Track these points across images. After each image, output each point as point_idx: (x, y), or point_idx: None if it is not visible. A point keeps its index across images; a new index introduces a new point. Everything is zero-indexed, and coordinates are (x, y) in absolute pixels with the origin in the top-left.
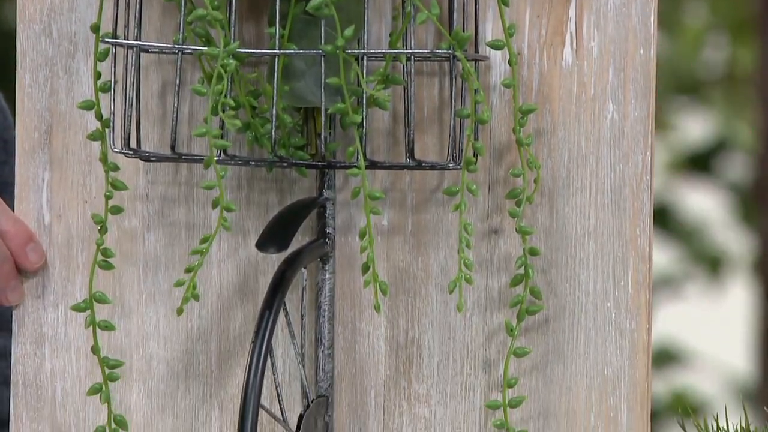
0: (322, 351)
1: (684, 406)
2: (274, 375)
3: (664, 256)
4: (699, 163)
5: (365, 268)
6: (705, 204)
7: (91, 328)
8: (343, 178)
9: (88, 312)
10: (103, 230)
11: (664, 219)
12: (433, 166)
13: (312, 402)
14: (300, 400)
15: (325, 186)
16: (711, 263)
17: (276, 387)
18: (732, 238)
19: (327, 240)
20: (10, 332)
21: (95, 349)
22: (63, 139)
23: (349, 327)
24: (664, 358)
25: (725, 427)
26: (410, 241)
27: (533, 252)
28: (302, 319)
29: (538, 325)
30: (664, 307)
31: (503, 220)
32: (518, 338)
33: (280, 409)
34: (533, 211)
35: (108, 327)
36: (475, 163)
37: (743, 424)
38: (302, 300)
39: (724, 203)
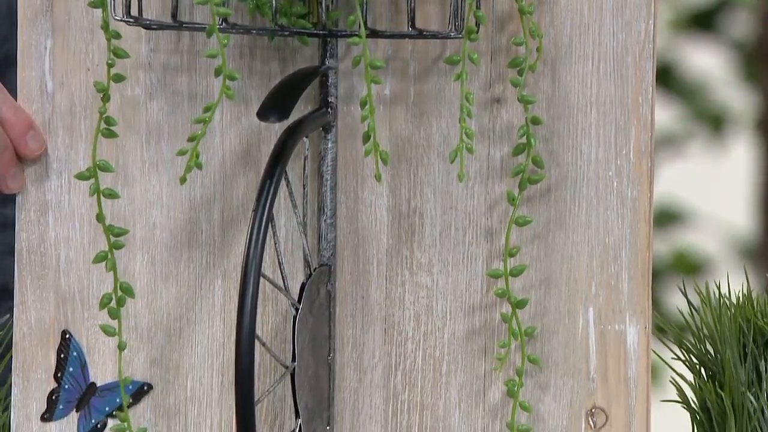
0: (324, 220)
1: (685, 266)
2: (275, 244)
3: (666, 115)
4: (702, 20)
5: (366, 138)
6: (708, 62)
7: (95, 196)
8: (345, 47)
9: (92, 180)
10: (105, 98)
11: (667, 77)
12: (434, 35)
13: (314, 271)
14: (302, 269)
15: (327, 55)
16: (713, 121)
17: (278, 256)
18: (735, 96)
19: (329, 109)
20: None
21: (100, 217)
22: (65, 6)
23: (351, 196)
24: (666, 217)
25: (727, 293)
26: (412, 110)
27: (535, 121)
28: (304, 188)
29: (540, 194)
30: (666, 167)
31: (505, 90)
32: (520, 207)
33: (282, 278)
34: (535, 80)
35: (112, 195)
36: (477, 32)
37: (744, 291)
38: (304, 169)
39: (727, 61)
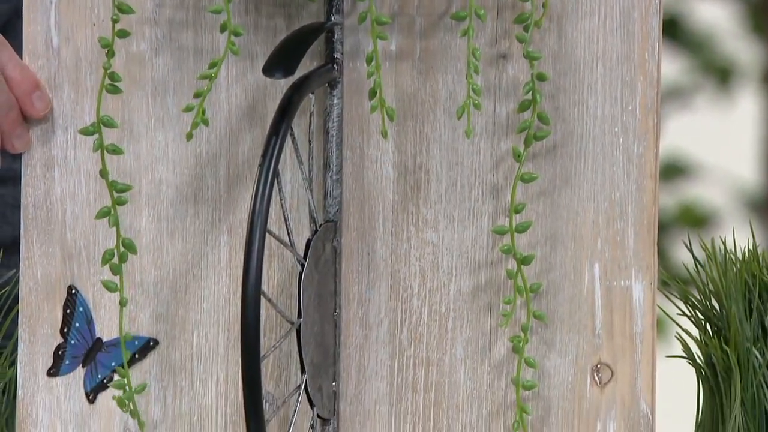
0: (330, 176)
1: (692, 219)
2: (281, 200)
3: (672, 67)
4: None
5: (372, 94)
6: (715, 14)
7: (99, 151)
8: (350, 2)
9: (96, 136)
10: (110, 54)
11: (674, 30)
12: None
13: (320, 227)
14: (308, 225)
15: (333, 10)
16: (720, 74)
17: (283, 212)
18: (741, 48)
19: (335, 65)
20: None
21: (104, 173)
22: None
23: (357, 152)
24: (672, 170)
25: (732, 248)
26: (418, 66)
27: (541, 77)
28: (310, 144)
29: (546, 150)
30: (673, 119)
31: (511, 45)
32: (525, 164)
33: (288, 234)
34: (541, 36)
35: (116, 151)
36: None
37: (750, 246)
38: (310, 125)
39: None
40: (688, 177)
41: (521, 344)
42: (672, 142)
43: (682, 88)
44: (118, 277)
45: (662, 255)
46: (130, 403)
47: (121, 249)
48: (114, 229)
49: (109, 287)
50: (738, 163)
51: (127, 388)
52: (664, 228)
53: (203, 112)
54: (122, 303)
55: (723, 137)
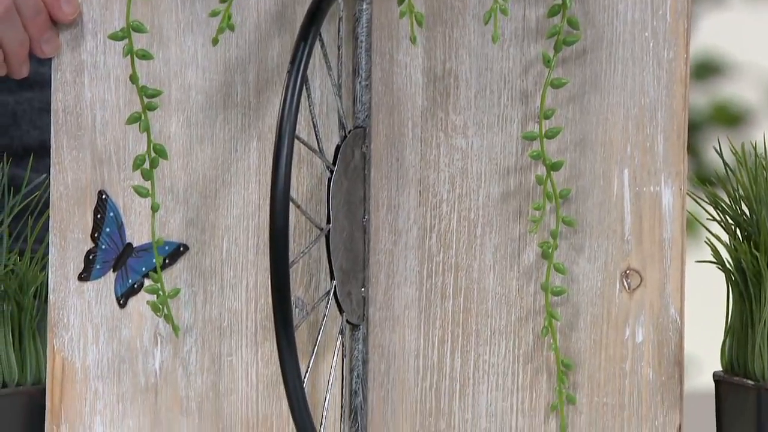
0: (359, 82)
1: (725, 117)
2: (310, 106)
3: None
4: None
5: None
6: None
7: (129, 57)
8: None
9: (126, 41)
10: None
11: None
12: None
13: (349, 133)
14: (337, 132)
15: None
16: None
17: (312, 118)
18: None
19: None
20: None
21: (134, 78)
22: None
23: (386, 58)
24: (705, 69)
25: (763, 153)
26: None
27: None
28: (339, 50)
29: (576, 55)
30: (706, 18)
31: None
32: (555, 69)
33: (317, 140)
34: None
35: (146, 56)
36: None
37: None
38: (339, 31)
39: None
40: (722, 75)
41: (550, 250)
42: (706, 41)
43: None
44: (149, 182)
45: (695, 154)
46: (164, 308)
47: (152, 154)
48: (144, 134)
49: (141, 192)
50: None
51: (160, 292)
52: (697, 127)
53: (229, 17)
54: (154, 208)
55: (758, 35)
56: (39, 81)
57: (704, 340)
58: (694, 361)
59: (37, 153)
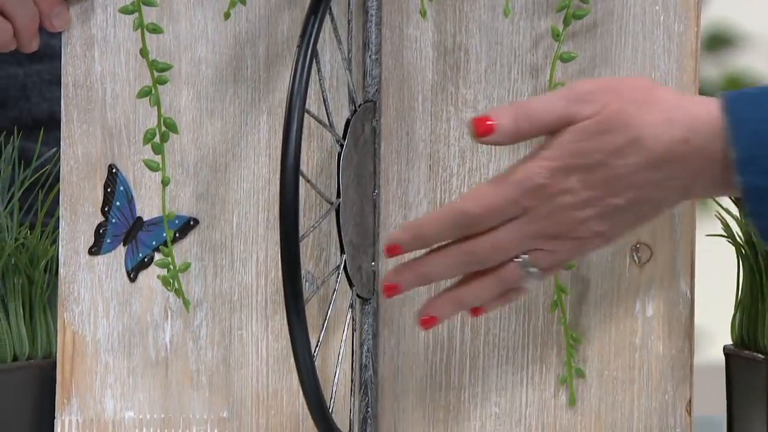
0: (370, 56)
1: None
2: (320, 80)
3: None
4: None
5: None
6: None
7: (139, 30)
8: None
9: (136, 14)
10: None
11: None
12: None
13: (359, 107)
14: (347, 105)
15: None
16: None
17: (322, 92)
18: None
19: None
20: None
21: (144, 52)
22: None
23: (396, 32)
24: (718, 41)
25: None
26: None
27: None
28: (349, 24)
29: (586, 29)
30: None
31: None
32: (565, 43)
33: (327, 114)
34: None
35: (156, 30)
36: None
37: None
38: (349, 4)
39: None
40: (735, 48)
41: None
42: (718, 13)
43: None
44: (159, 156)
45: None
46: (175, 282)
47: (163, 128)
48: (155, 108)
49: (151, 166)
50: None
51: (171, 266)
52: None
53: None
54: (164, 182)
55: None
56: (48, 53)
57: (715, 313)
58: (705, 334)
59: (47, 126)
